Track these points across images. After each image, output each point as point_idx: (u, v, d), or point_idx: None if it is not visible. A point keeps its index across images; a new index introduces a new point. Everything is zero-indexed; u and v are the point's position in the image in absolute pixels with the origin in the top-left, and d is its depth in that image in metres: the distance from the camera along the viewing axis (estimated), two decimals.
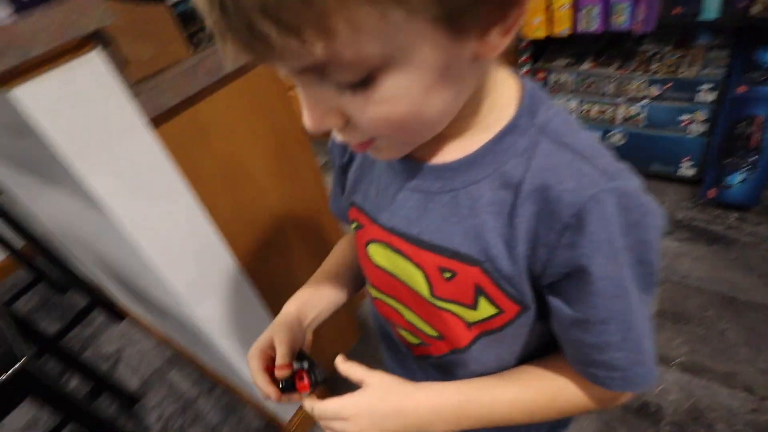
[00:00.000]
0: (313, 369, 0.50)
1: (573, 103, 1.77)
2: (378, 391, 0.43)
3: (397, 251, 0.44)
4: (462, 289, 0.40)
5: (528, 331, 0.43)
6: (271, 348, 0.52)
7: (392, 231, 0.44)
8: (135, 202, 0.73)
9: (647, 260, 0.36)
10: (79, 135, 0.64)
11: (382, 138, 0.34)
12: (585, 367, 0.40)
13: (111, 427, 0.99)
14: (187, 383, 1.57)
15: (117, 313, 1.85)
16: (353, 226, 0.50)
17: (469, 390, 0.43)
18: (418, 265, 0.42)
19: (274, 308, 1.08)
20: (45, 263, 2.09)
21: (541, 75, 1.80)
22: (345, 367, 0.45)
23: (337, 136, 0.35)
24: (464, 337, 0.44)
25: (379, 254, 0.47)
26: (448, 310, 0.43)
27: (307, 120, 0.32)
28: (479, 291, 0.40)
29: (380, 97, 0.29)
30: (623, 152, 1.74)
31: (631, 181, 0.34)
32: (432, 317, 0.45)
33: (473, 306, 0.41)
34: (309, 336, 0.56)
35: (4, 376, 0.78)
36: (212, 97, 0.83)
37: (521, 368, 0.45)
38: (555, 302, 0.38)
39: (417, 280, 0.43)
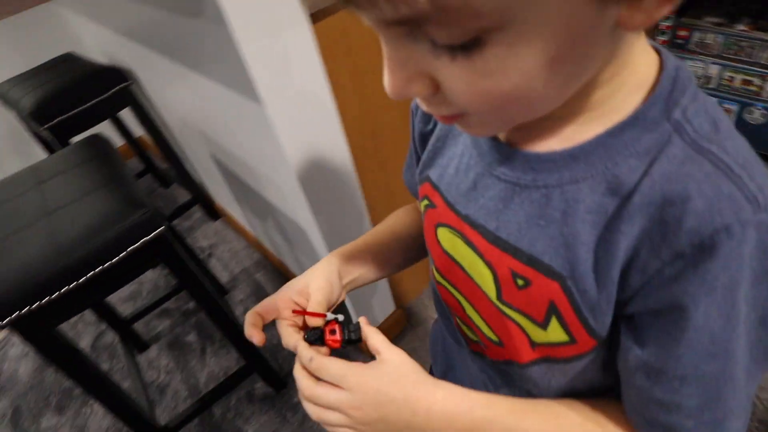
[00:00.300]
0: (348, 325, 0.45)
1: (714, 69, 1.59)
2: (393, 371, 0.37)
3: (469, 243, 0.38)
4: (534, 301, 0.34)
5: (601, 367, 0.37)
6: (301, 294, 0.48)
7: (466, 219, 0.38)
8: (282, 91, 0.76)
9: None
10: (250, 18, 0.66)
11: (475, 113, 0.28)
12: (643, 422, 0.34)
13: (215, 301, 1.10)
14: (272, 286, 1.69)
15: (214, 212, 1.99)
16: (423, 203, 0.44)
17: (498, 408, 0.37)
18: (488, 264, 0.37)
19: (376, 223, 1.12)
20: (155, 156, 2.28)
21: (683, 33, 1.62)
22: (368, 329, 0.41)
23: (422, 105, 0.29)
24: (525, 354, 0.38)
25: (448, 241, 0.41)
26: (514, 320, 0.37)
27: (389, 84, 0.26)
28: (553, 309, 0.34)
29: (485, 68, 0.23)
30: (760, 133, 1.56)
31: None
32: (494, 320, 0.40)
33: (543, 325, 0.35)
34: (343, 296, 0.50)
35: (147, 238, 0.88)
36: None
37: (566, 402, 0.38)
38: (626, 338, 0.32)
39: (485, 278, 0.38)
